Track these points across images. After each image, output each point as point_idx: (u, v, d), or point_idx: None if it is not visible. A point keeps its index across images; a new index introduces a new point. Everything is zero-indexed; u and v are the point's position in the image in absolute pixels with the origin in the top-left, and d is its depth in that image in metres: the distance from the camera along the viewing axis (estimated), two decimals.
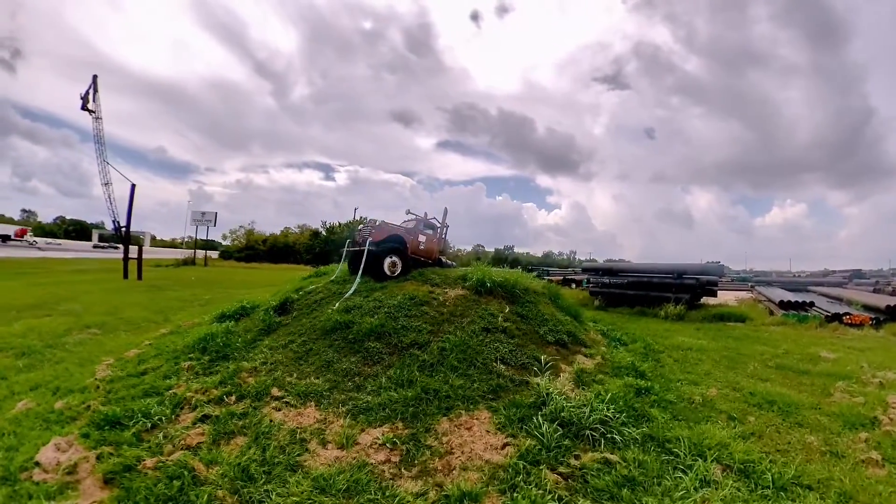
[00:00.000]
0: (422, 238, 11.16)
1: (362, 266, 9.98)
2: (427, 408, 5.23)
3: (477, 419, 5.06)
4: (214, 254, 73.50)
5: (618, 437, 4.49)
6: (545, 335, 7.67)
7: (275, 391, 5.59)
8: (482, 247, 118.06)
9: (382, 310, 7.84)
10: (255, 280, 31.22)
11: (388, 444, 4.48)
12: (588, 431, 4.53)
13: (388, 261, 10.05)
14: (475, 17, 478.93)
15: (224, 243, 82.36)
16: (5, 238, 66.39)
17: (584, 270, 26.80)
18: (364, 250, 10.05)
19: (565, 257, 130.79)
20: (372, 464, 4.19)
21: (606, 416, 4.70)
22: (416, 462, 4.31)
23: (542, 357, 6.57)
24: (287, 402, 5.33)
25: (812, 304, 17.42)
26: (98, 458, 4.13)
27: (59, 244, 76.20)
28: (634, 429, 4.73)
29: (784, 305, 17.49)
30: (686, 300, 17.12)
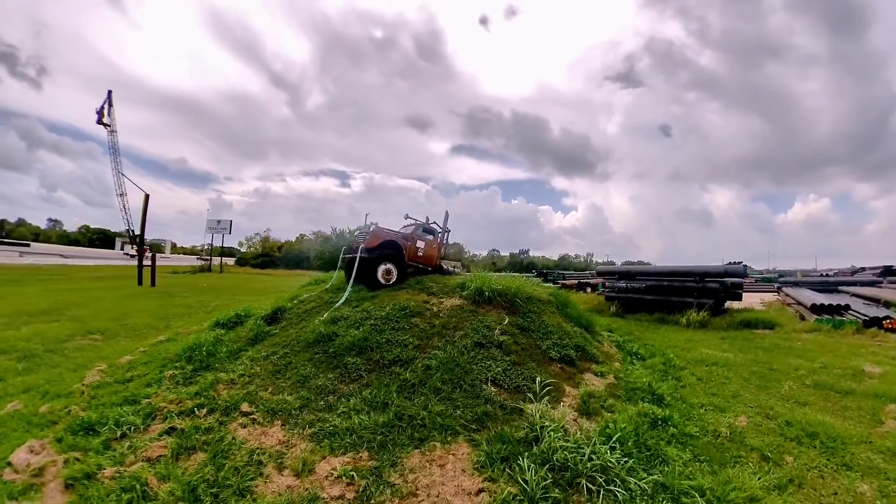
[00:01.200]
0: (420, 244, 10.50)
1: (353, 274, 9.41)
2: (398, 437, 4.55)
3: (453, 454, 4.32)
4: (231, 260, 74.58)
5: (620, 490, 3.65)
6: (548, 350, 6.86)
7: (245, 406, 5.31)
8: (497, 251, 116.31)
9: (368, 321, 7.22)
10: (265, 287, 31.03)
11: (345, 477, 3.92)
12: (584, 480, 3.71)
13: (381, 268, 9.44)
14: (484, 21, 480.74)
15: (242, 250, 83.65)
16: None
17: (599, 274, 25.41)
18: (356, 257, 9.49)
19: (582, 260, 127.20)
20: (324, 498, 3.73)
21: (609, 461, 3.86)
22: (371, 502, 3.69)
23: (540, 378, 5.74)
24: (254, 419, 5.01)
25: (847, 307, 16.02)
26: (65, 462, 4.18)
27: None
28: (645, 475, 3.88)
29: (816, 309, 16.15)
30: (710, 305, 15.98)
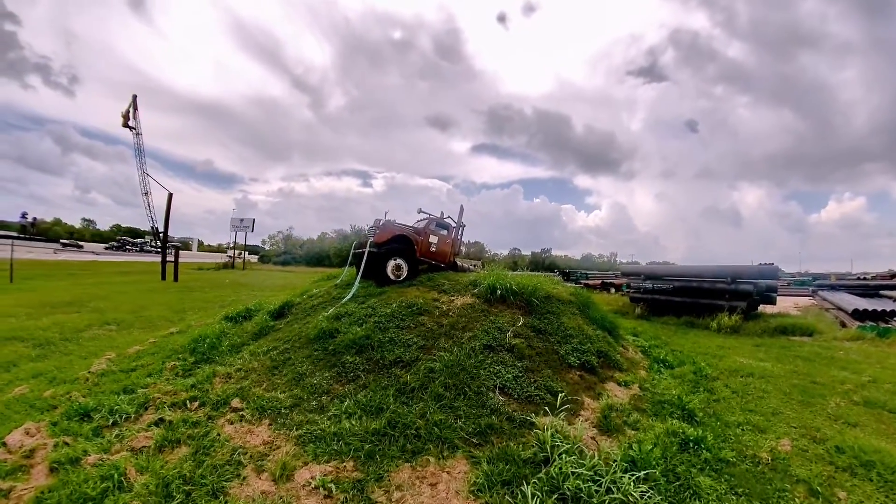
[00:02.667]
0: (433, 239, 10.04)
1: (361, 269, 9.05)
2: (389, 447, 4.13)
3: (448, 472, 3.85)
4: (255, 258, 75.88)
5: None
6: (567, 356, 6.29)
7: (236, 402, 5.15)
8: (518, 250, 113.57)
9: (372, 319, 6.85)
10: (283, 283, 31.16)
11: (323, 489, 3.57)
12: None
13: (391, 264, 9.04)
14: (502, 18, 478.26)
15: (266, 248, 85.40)
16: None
17: (624, 274, 23.94)
18: (365, 252, 9.13)
19: (606, 260, 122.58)
20: None
21: (631, 494, 3.25)
22: None
23: (556, 388, 5.20)
24: (243, 416, 4.85)
25: (893, 312, 14.70)
26: (55, 446, 4.23)
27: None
28: None
29: (859, 315, 14.91)
30: (742, 309, 14.97)
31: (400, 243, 9.38)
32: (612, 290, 25.65)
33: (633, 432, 4.72)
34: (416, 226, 10.36)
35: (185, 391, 5.47)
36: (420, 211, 10.61)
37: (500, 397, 4.97)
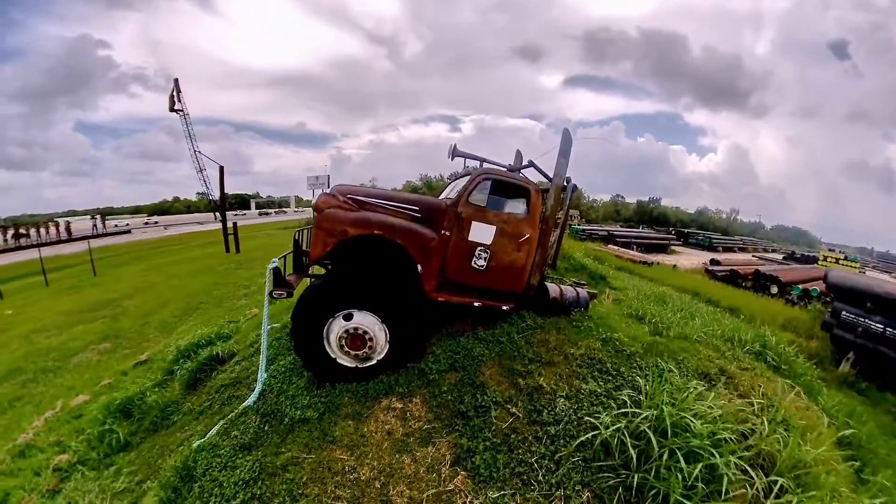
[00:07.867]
0: (481, 231, 4.23)
1: (264, 339, 4.05)
2: None
3: None
4: None
5: None
6: None
7: None
8: (622, 197, 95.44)
9: None
10: None
11: None
12: None
13: (339, 327, 3.78)
14: None
15: None
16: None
17: (831, 287, 9.88)
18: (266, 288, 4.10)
19: (724, 217, 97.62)
20: None
21: None
22: None
23: None
24: None
25: None
26: None
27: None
28: None
29: None
30: None
31: (368, 257, 3.96)
32: (775, 290, 16.09)
33: None
34: (430, 198, 4.63)
35: None
36: (455, 152, 4.78)
37: None
